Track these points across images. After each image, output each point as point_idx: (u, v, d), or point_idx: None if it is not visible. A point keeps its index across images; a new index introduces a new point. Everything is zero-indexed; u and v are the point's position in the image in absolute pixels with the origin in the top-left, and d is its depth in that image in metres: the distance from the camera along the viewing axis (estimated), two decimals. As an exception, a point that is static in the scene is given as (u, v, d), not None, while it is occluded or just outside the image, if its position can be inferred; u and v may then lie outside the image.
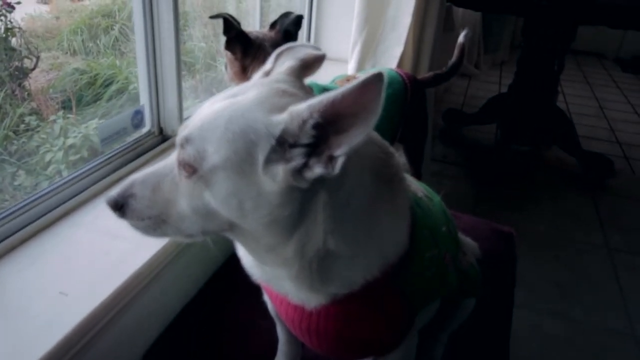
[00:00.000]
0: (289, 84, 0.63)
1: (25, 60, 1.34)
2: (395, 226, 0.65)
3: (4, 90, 1.27)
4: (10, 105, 1.30)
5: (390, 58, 1.95)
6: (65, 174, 1.17)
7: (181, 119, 1.30)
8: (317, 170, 0.52)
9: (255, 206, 0.56)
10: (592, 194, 2.82)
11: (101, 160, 1.13)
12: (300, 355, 0.97)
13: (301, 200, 0.56)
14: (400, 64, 1.95)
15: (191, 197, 0.59)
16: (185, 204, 0.60)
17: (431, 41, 2.16)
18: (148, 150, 1.25)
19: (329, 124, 0.51)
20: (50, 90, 1.45)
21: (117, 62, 1.67)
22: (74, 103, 1.48)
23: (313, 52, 0.70)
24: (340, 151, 0.50)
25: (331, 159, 0.51)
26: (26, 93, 1.36)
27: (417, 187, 0.80)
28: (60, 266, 0.90)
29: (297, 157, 0.53)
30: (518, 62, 3.05)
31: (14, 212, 0.94)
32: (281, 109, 0.55)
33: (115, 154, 1.17)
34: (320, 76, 0.83)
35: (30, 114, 1.35)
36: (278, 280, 0.67)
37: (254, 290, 0.83)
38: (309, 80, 0.71)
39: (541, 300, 1.97)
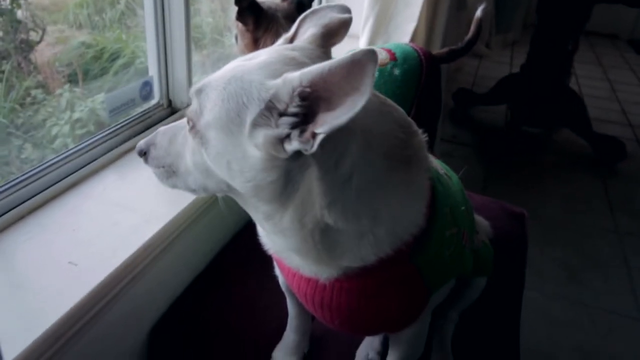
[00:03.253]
0: (304, 53, 0.61)
1: (31, 33, 1.32)
2: (408, 207, 0.62)
3: (10, 63, 1.25)
4: (17, 78, 1.28)
5: (403, 34, 1.91)
6: (71, 147, 1.16)
7: (190, 92, 1.28)
8: (294, 143, 0.51)
9: (240, 169, 0.56)
10: (603, 176, 2.79)
11: (109, 131, 1.12)
12: (310, 330, 0.97)
13: (287, 169, 0.55)
14: (412, 41, 1.91)
15: (193, 152, 0.61)
16: (189, 158, 0.63)
17: (444, 18, 2.11)
18: (157, 122, 1.23)
19: (322, 100, 0.49)
20: (57, 63, 1.42)
21: (124, 36, 1.64)
22: (80, 77, 1.46)
23: (337, 15, 0.67)
24: (321, 129, 0.48)
25: (314, 136, 0.49)
26: (32, 66, 1.34)
27: (437, 164, 0.78)
28: (69, 236, 0.89)
29: (282, 126, 0.52)
30: (531, 41, 2.99)
31: (22, 181, 0.92)
32: (282, 76, 0.53)
33: (124, 126, 1.15)
34: (333, 51, 0.81)
35: (36, 87, 1.33)
36: (286, 251, 0.66)
37: (264, 264, 0.82)
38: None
39: (550, 283, 1.96)
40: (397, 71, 1.29)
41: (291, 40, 0.67)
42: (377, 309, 0.68)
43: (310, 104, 0.50)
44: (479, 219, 1.11)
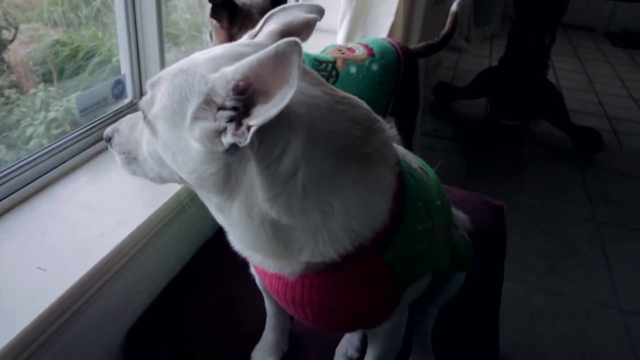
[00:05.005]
0: (257, 49, 0.59)
1: (4, 31, 1.29)
2: (365, 203, 0.60)
3: (-19, 63, 1.22)
4: (-11, 78, 1.25)
5: (380, 29, 1.90)
6: (47, 148, 1.13)
7: (164, 90, 1.26)
8: (229, 136, 0.52)
9: (184, 160, 0.58)
10: (581, 167, 2.83)
11: (81, 131, 1.10)
12: (289, 329, 0.96)
13: (226, 162, 0.55)
14: (390, 35, 1.91)
15: (148, 141, 0.63)
16: (145, 147, 0.65)
17: (422, 13, 2.11)
18: (130, 121, 1.21)
19: (260, 93, 0.49)
20: (31, 62, 1.39)
21: (100, 34, 1.61)
22: (55, 76, 1.43)
23: (301, 15, 0.67)
24: (254, 122, 0.49)
25: (249, 129, 0.50)
26: (5, 65, 1.31)
27: (411, 159, 0.77)
28: (37, 241, 0.87)
29: (219, 120, 0.52)
30: (509, 35, 3.02)
31: (-11, 184, 0.90)
32: None
33: (96, 126, 1.13)
34: (310, 47, 0.80)
35: (9, 87, 1.30)
36: (246, 247, 0.65)
37: (241, 264, 0.81)
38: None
39: (529, 273, 1.99)
40: (375, 66, 1.30)
41: (255, 36, 0.66)
42: (348, 305, 0.67)
43: (249, 97, 0.50)
44: (458, 213, 1.11)
